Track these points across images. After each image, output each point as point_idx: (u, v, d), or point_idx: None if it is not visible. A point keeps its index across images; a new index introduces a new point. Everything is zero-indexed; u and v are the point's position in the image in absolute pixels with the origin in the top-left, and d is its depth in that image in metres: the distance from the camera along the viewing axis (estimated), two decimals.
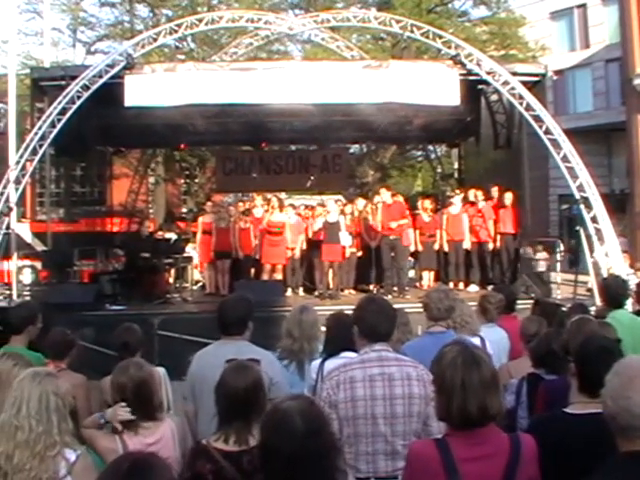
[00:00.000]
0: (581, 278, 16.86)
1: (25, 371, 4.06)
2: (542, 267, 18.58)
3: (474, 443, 3.37)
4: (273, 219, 17.61)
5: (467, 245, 17.78)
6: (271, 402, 4.16)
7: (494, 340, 6.87)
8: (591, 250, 15.73)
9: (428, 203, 18.30)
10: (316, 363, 5.82)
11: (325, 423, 3.12)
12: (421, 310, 6.40)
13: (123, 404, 4.47)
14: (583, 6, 40.35)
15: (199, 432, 4.87)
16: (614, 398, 3.02)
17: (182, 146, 26.42)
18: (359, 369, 4.41)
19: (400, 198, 18.13)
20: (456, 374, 3.38)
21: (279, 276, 17.58)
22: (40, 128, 15.77)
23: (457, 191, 19.84)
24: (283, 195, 25.92)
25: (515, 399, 5.61)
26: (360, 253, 17.85)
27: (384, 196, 17.46)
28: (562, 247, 19.27)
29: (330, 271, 17.12)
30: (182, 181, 43.83)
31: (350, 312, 5.12)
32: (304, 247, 17.82)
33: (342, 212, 17.60)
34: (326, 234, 16.80)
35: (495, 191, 17.98)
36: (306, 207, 19.25)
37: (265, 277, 17.57)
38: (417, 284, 18.36)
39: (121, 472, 2.72)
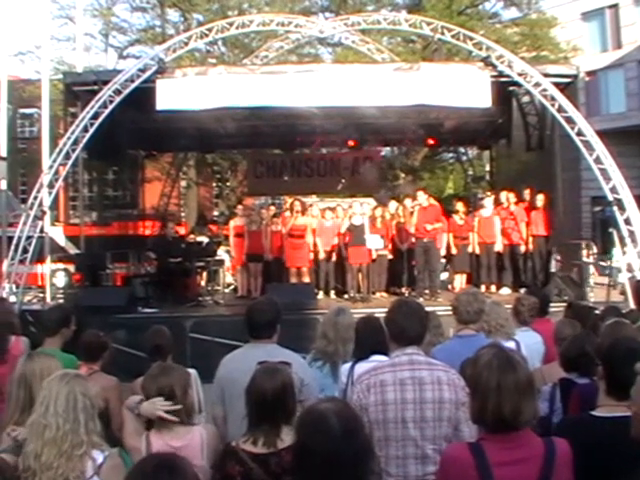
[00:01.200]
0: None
1: (55, 372, 4.11)
2: (553, 268, 18.32)
3: (508, 447, 3.35)
4: (297, 222, 17.68)
5: (499, 248, 17.70)
6: (302, 404, 4.19)
7: (528, 344, 6.80)
8: (624, 252, 15.62)
9: (460, 206, 18.24)
10: (346, 366, 5.80)
11: (360, 425, 3.14)
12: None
13: (161, 399, 4.47)
14: (615, 6, 40.05)
15: (230, 435, 4.84)
16: None
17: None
18: (390, 372, 4.40)
19: (434, 201, 18.13)
20: (491, 376, 3.36)
21: (307, 279, 17.62)
22: (73, 132, 15.92)
23: (488, 193, 19.74)
24: (314, 198, 25.94)
25: (549, 406, 5.48)
26: (391, 256, 17.82)
27: (420, 199, 17.47)
28: (595, 249, 19.08)
29: (359, 274, 17.13)
30: (214, 184, 44.09)
31: (381, 315, 5.11)
32: (336, 249, 17.83)
33: (372, 215, 17.61)
34: (351, 237, 16.87)
35: (527, 193, 17.89)
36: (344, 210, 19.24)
37: (292, 280, 17.64)
38: (449, 287, 18.31)
39: (146, 472, 2.74)
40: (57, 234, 22.66)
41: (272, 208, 20.13)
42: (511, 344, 6.10)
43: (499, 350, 3.53)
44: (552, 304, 10.31)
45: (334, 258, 17.88)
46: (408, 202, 18.27)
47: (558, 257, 17.97)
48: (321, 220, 17.91)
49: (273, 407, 4.04)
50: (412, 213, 17.50)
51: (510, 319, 6.96)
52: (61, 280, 21.11)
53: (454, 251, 17.93)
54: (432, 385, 4.34)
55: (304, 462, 3.00)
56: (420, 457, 4.29)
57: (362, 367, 5.23)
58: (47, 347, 6.22)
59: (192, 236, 21.02)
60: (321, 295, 17.53)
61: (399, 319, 4.60)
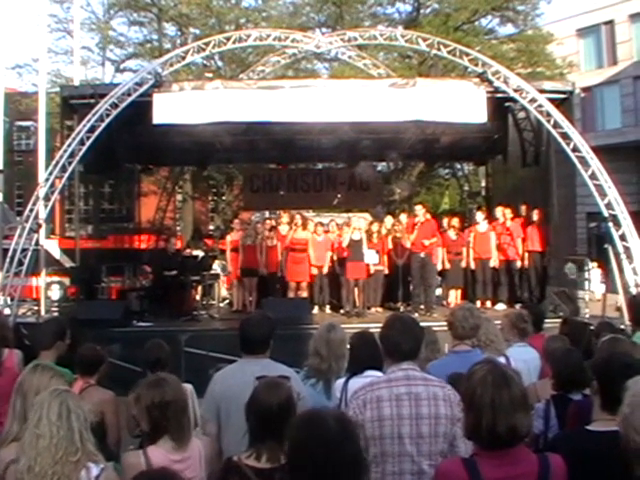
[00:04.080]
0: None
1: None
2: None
3: (503, 463, 3.34)
4: (297, 236, 17.67)
5: (494, 263, 17.71)
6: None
7: (526, 359, 6.79)
8: (620, 268, 15.62)
9: (455, 221, 18.27)
10: (340, 382, 5.79)
11: (357, 432, 3.11)
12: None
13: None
14: (610, 23, 40.25)
15: (226, 451, 4.81)
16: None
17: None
18: (386, 388, 4.38)
19: (429, 216, 18.16)
20: (486, 393, 3.36)
21: (304, 294, 17.61)
22: (69, 145, 15.91)
23: (481, 210, 19.76)
24: (311, 213, 25.92)
25: (543, 423, 5.45)
26: (387, 271, 17.83)
27: (419, 213, 17.49)
28: (590, 265, 19.10)
29: (356, 289, 17.12)
30: (210, 198, 44.13)
31: (377, 330, 5.10)
32: (330, 264, 17.83)
33: (368, 230, 17.61)
34: (350, 252, 16.85)
35: (523, 209, 17.92)
36: (337, 225, 19.23)
37: (291, 295, 17.61)
38: (444, 302, 18.30)
39: None
40: (52, 247, 22.62)
41: (268, 222, 20.04)
42: (501, 360, 6.08)
43: (493, 366, 3.53)
44: (548, 320, 10.31)
45: (326, 272, 17.85)
46: (403, 217, 18.26)
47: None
48: (313, 235, 17.90)
49: (278, 421, 4.02)
50: (408, 228, 17.51)
51: (500, 335, 6.93)
52: (56, 293, 21.10)
53: (447, 266, 17.95)
54: (428, 401, 4.32)
55: (298, 466, 2.99)
56: (416, 473, 4.27)
57: (356, 382, 5.22)
58: (42, 360, 6.20)
59: (188, 250, 21.01)
60: (316, 310, 17.51)
61: (393, 335, 4.60)
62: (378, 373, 5.25)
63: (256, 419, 4.09)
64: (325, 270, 17.80)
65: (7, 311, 14.96)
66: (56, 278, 21.40)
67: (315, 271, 17.71)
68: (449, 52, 17.58)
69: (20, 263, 15.60)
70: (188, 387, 6.30)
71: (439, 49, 17.63)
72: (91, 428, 3.92)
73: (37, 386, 4.41)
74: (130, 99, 16.21)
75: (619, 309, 15.71)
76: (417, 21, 35.98)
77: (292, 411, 4.12)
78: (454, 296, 17.94)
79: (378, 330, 4.92)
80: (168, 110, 16.49)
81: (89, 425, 3.92)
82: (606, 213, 15.67)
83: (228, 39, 18.44)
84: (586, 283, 18.27)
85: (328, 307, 18.00)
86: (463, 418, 3.59)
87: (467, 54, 17.37)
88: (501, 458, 3.35)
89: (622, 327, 8.79)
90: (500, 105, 17.62)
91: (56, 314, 17.30)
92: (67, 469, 3.70)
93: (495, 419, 3.30)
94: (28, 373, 4.61)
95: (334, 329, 6.51)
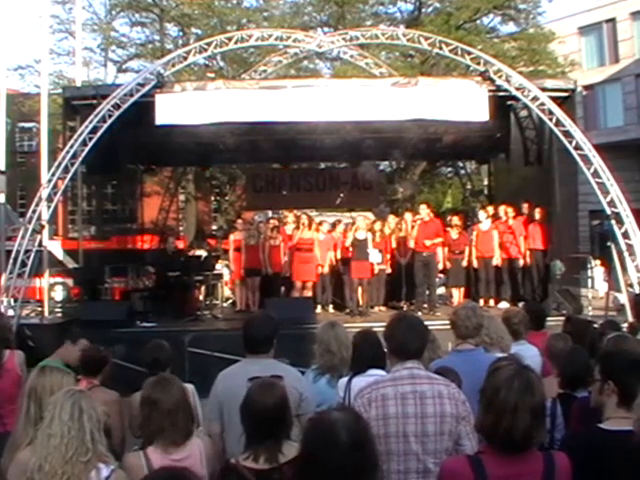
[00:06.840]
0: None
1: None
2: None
3: (508, 461, 3.34)
4: (304, 236, 17.67)
5: (497, 262, 17.68)
6: (299, 418, 4.18)
7: (526, 357, 6.77)
8: (622, 266, 15.61)
9: (456, 220, 18.24)
10: (343, 381, 5.79)
11: (369, 438, 3.09)
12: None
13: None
14: (612, 21, 40.19)
15: (230, 451, 4.81)
16: None
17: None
18: (391, 387, 4.37)
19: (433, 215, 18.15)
20: (510, 396, 3.35)
21: (309, 293, 17.60)
22: (72, 146, 15.91)
23: (484, 208, 19.73)
24: (314, 213, 25.92)
25: (550, 421, 5.38)
26: (390, 270, 17.81)
27: (423, 212, 17.48)
28: (593, 263, 19.09)
29: (359, 288, 17.11)
30: (212, 199, 44.16)
31: (380, 329, 5.09)
32: (333, 264, 17.84)
33: (371, 229, 17.60)
34: (355, 251, 16.83)
35: (525, 207, 17.90)
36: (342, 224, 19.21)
37: (295, 294, 17.61)
38: (447, 301, 18.27)
39: None
40: (55, 248, 22.66)
41: (272, 222, 20.00)
42: None
43: (520, 368, 3.51)
44: (551, 318, 10.30)
45: (327, 271, 17.85)
46: (408, 216, 18.23)
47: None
48: (316, 234, 17.90)
49: (275, 422, 4.03)
50: (413, 227, 17.50)
51: (505, 333, 6.91)
52: (59, 294, 21.13)
53: (448, 265, 17.92)
54: (433, 399, 4.31)
55: (308, 473, 2.98)
56: (422, 471, 4.26)
57: (360, 381, 5.22)
58: (49, 360, 6.23)
59: (191, 250, 21.01)
60: (319, 309, 17.49)
61: (399, 333, 4.58)
62: (381, 372, 5.25)
63: (251, 420, 4.08)
64: (327, 269, 17.81)
65: (11, 312, 14.97)
66: (59, 279, 21.43)
67: (319, 270, 17.72)
68: (451, 51, 17.58)
69: (23, 264, 15.60)
70: (189, 387, 6.30)
71: (441, 48, 17.63)
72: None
73: (51, 387, 4.43)
74: (132, 100, 16.21)
75: (619, 309, 15.63)
76: (419, 20, 35.94)
77: (287, 411, 4.14)
78: (457, 295, 17.91)
79: (381, 329, 4.92)
80: (170, 110, 16.50)
81: (102, 426, 3.94)
82: (609, 211, 15.67)
83: (230, 39, 18.43)
84: (589, 281, 18.30)
85: (331, 306, 17.98)
86: (480, 413, 3.56)
87: (469, 53, 17.37)
88: (507, 456, 3.34)
89: (624, 325, 8.75)
90: (502, 104, 17.60)
91: (59, 315, 17.35)
92: (77, 469, 3.72)
93: (514, 424, 3.29)
94: (38, 376, 4.61)
95: (337, 325, 6.56)
